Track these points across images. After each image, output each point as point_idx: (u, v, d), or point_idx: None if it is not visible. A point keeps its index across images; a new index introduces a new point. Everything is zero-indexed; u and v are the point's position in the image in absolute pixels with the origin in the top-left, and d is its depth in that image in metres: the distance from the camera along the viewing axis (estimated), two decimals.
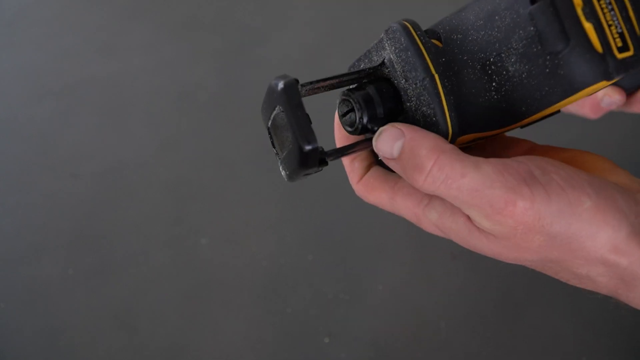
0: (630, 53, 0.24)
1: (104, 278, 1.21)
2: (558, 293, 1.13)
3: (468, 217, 0.26)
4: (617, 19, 0.24)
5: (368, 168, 0.31)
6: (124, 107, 1.53)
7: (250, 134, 1.42)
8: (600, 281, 0.26)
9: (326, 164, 0.27)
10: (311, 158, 0.26)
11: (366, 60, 0.30)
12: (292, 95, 0.26)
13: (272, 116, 0.28)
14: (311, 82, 0.28)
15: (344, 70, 0.31)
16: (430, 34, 0.28)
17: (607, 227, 0.24)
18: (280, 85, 0.26)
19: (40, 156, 1.44)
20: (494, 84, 0.27)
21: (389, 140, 0.27)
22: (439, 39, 0.28)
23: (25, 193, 1.37)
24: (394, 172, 0.30)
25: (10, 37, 1.75)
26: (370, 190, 0.30)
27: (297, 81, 0.26)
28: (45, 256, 1.25)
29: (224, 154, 1.40)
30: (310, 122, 0.26)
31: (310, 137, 0.25)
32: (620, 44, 0.24)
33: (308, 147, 0.25)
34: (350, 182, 0.31)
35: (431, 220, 0.28)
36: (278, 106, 0.27)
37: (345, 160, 0.31)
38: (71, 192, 1.36)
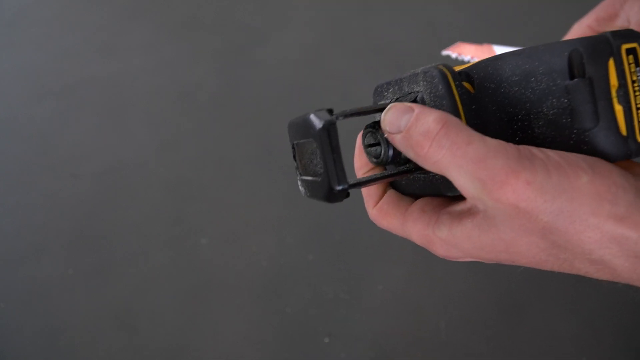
0: None
1: (104, 278, 1.21)
2: (558, 293, 1.13)
3: (474, 215, 0.26)
4: None
5: (383, 192, 0.32)
6: (124, 107, 1.53)
7: (250, 134, 1.42)
8: (617, 264, 0.25)
9: (348, 196, 0.27)
10: (338, 196, 0.26)
11: (396, 87, 0.31)
12: (331, 138, 0.26)
13: (303, 141, 0.29)
14: (344, 115, 0.28)
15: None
16: (464, 76, 0.29)
17: (604, 201, 0.24)
18: (319, 124, 0.26)
19: (40, 156, 1.44)
20: (517, 138, 0.28)
21: (399, 113, 0.27)
22: (472, 83, 0.29)
23: (25, 193, 1.37)
24: (406, 197, 0.31)
25: (10, 37, 1.75)
26: (383, 216, 0.31)
27: (334, 119, 0.26)
28: (45, 256, 1.25)
29: (224, 154, 1.40)
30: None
31: (342, 179, 0.26)
32: None
33: (338, 188, 0.26)
34: (366, 206, 0.32)
35: (441, 237, 0.28)
36: (313, 140, 0.27)
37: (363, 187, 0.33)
38: (71, 192, 1.36)
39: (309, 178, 0.28)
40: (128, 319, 1.15)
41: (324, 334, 1.11)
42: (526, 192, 0.24)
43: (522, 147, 0.25)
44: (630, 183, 0.24)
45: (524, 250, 0.26)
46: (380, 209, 0.31)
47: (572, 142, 0.26)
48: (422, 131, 0.26)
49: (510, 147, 0.24)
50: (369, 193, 0.32)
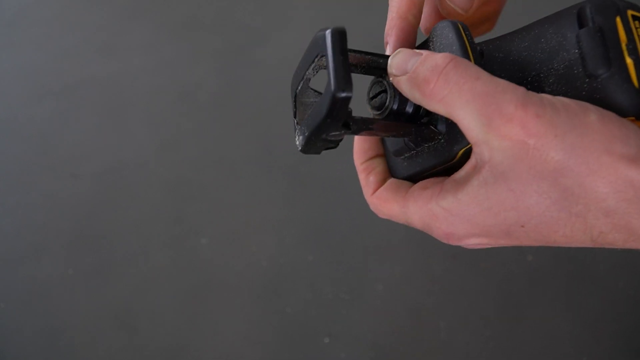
0: None
1: (104, 278, 1.21)
2: (558, 293, 1.13)
3: (479, 171, 0.25)
4: None
5: (383, 181, 0.31)
6: (124, 107, 1.53)
7: (250, 134, 1.42)
8: (632, 212, 0.23)
9: (349, 128, 0.26)
10: (341, 108, 0.24)
11: None
12: (340, 40, 0.25)
13: (303, 81, 0.28)
14: (356, 50, 0.28)
15: None
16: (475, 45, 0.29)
17: (616, 139, 0.23)
18: (329, 31, 0.25)
19: (40, 156, 1.44)
20: None
21: (406, 55, 0.26)
22: (481, 54, 0.28)
23: (25, 193, 1.37)
24: (406, 182, 0.30)
25: (10, 37, 1.75)
26: (383, 202, 0.29)
27: (344, 27, 0.26)
28: (45, 256, 1.25)
29: (224, 154, 1.40)
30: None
31: (347, 84, 0.24)
32: None
33: (342, 94, 0.24)
34: (365, 195, 0.31)
35: (445, 207, 0.26)
36: (320, 56, 0.26)
37: (361, 175, 0.32)
38: (71, 192, 1.36)
39: (306, 117, 0.27)
40: (128, 319, 1.15)
41: (324, 334, 1.11)
42: (536, 125, 0.22)
43: (523, 88, 0.24)
44: (637, 131, 0.23)
45: (533, 203, 0.24)
46: (380, 196, 0.30)
47: (584, 93, 0.25)
48: (429, 66, 0.25)
49: (519, 87, 0.24)
50: (366, 182, 0.31)
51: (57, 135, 1.48)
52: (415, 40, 0.31)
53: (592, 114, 0.23)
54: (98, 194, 1.35)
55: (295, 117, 0.29)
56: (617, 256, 1.16)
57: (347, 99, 0.24)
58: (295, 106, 0.29)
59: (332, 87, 0.24)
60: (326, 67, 0.25)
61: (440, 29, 0.28)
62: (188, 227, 1.28)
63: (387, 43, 0.30)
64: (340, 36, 0.25)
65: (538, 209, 0.24)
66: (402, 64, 0.26)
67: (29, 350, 1.12)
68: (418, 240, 1.20)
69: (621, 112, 0.24)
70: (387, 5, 0.32)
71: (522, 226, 0.25)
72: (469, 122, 0.24)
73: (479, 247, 0.28)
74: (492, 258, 1.17)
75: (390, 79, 0.27)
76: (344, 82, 0.24)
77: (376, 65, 0.29)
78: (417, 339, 1.10)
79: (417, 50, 0.27)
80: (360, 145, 0.32)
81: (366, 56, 0.28)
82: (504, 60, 0.28)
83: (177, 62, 1.63)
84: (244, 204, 1.31)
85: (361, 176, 0.31)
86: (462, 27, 0.27)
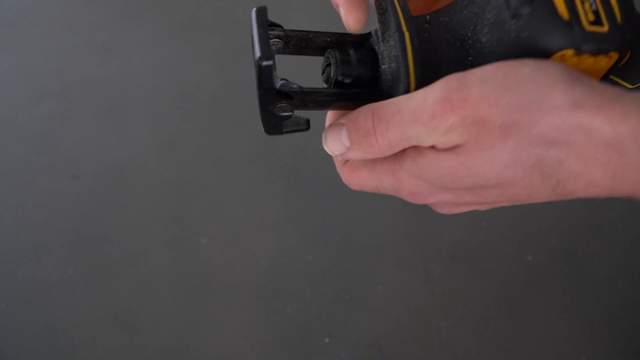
0: (603, 29, 0.24)
1: (104, 278, 1.21)
2: (557, 293, 1.13)
3: (432, 147, 0.25)
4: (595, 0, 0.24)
5: None
6: (124, 107, 1.53)
7: (250, 134, 1.42)
8: (588, 156, 0.23)
9: (290, 98, 0.26)
10: (268, 76, 0.25)
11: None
12: (260, 16, 0.27)
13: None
14: (298, 31, 0.29)
15: None
16: (420, 17, 0.29)
17: (555, 85, 0.22)
18: (253, 9, 0.27)
19: (40, 156, 1.44)
20: (469, 57, 0.27)
21: (334, 135, 0.27)
22: (428, 22, 0.29)
23: (25, 193, 1.37)
24: None
25: (10, 37, 1.75)
26: (353, 170, 0.29)
27: (272, 22, 0.28)
28: (45, 256, 1.25)
29: (224, 154, 1.40)
30: (270, 45, 0.26)
31: (266, 51, 0.25)
32: (592, 19, 0.24)
33: (264, 63, 0.25)
34: (337, 168, 0.31)
35: (406, 170, 0.26)
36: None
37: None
38: (71, 192, 1.36)
39: None
40: (128, 319, 1.15)
41: (324, 334, 1.11)
42: (466, 108, 0.23)
43: (450, 76, 0.24)
44: (581, 75, 0.23)
45: (486, 169, 0.24)
46: (350, 164, 0.30)
47: (513, 35, 0.25)
48: (363, 135, 0.26)
49: (437, 83, 0.24)
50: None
51: (57, 135, 1.48)
52: None
53: (526, 67, 0.23)
54: (98, 194, 1.35)
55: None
56: (616, 256, 1.17)
57: (269, 67, 0.25)
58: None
59: (255, 58, 0.25)
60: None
61: (378, 0, 0.29)
62: (188, 227, 1.28)
63: (337, 5, 0.30)
64: (259, 12, 0.27)
65: (492, 174, 0.24)
66: (338, 145, 0.27)
67: (29, 350, 1.13)
68: (418, 240, 1.20)
69: (553, 47, 0.24)
70: None
71: (481, 187, 0.25)
72: (420, 140, 0.25)
73: (447, 206, 0.29)
74: (492, 258, 1.18)
75: (337, 155, 0.28)
76: (263, 51, 0.25)
77: (324, 42, 0.30)
78: (417, 339, 1.10)
79: (337, 124, 0.27)
80: (332, 118, 0.32)
81: (311, 34, 0.29)
82: (448, 22, 0.28)
83: (177, 62, 1.63)
84: (244, 204, 1.31)
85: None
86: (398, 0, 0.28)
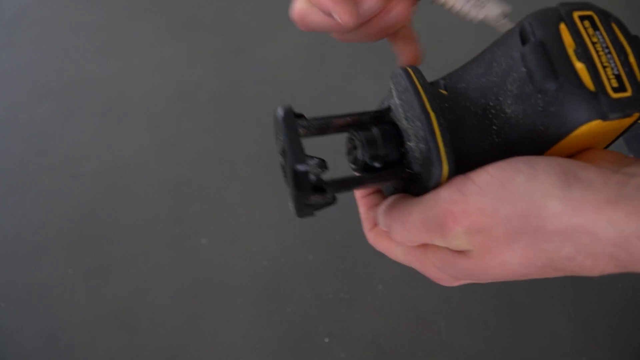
0: (627, 94, 0.24)
1: (104, 278, 1.21)
2: (557, 294, 1.13)
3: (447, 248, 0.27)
4: (614, 62, 0.24)
5: None
6: (124, 107, 1.53)
7: (250, 134, 1.42)
8: (592, 256, 0.24)
9: (324, 192, 0.27)
10: (304, 179, 0.26)
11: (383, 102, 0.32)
12: (288, 119, 0.27)
13: (283, 145, 0.30)
14: (320, 118, 0.29)
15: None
16: (435, 84, 0.30)
17: (551, 191, 0.23)
18: (279, 112, 0.28)
19: (40, 156, 1.44)
20: (494, 127, 0.27)
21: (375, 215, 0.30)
22: (445, 89, 0.29)
23: (25, 193, 1.37)
24: None
25: (10, 37, 1.75)
26: (378, 236, 0.32)
27: (296, 114, 0.28)
28: (45, 256, 1.25)
29: (224, 154, 1.40)
30: (303, 149, 0.27)
31: (300, 157, 0.26)
32: (615, 85, 0.24)
33: (300, 168, 0.26)
34: (364, 229, 0.33)
35: (431, 262, 0.28)
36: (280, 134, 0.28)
37: (362, 209, 0.33)
38: (71, 192, 1.36)
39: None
40: (128, 319, 1.15)
41: (324, 334, 1.11)
42: (468, 219, 0.24)
43: (456, 179, 0.25)
44: (585, 173, 0.23)
45: (499, 270, 0.26)
46: (377, 232, 0.32)
47: (540, 109, 0.25)
48: (384, 226, 0.29)
49: (443, 190, 0.25)
50: (366, 216, 0.33)
51: (57, 135, 1.48)
52: None
53: (520, 176, 0.24)
54: (98, 194, 1.35)
55: (285, 177, 0.31)
56: None
57: (306, 171, 0.26)
58: (284, 173, 0.31)
59: (290, 163, 0.26)
60: (283, 142, 0.27)
61: (396, 76, 0.29)
62: (188, 227, 1.28)
63: (327, 10, 0.30)
64: (287, 115, 0.27)
65: (507, 274, 0.26)
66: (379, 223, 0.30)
67: (29, 350, 1.13)
68: None
69: (582, 120, 0.24)
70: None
71: (499, 279, 0.27)
72: (430, 241, 0.27)
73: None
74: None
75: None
76: (297, 157, 0.26)
77: (345, 123, 0.30)
78: (417, 339, 1.10)
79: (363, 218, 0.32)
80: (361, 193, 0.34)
81: (330, 120, 0.30)
82: (466, 89, 0.28)
83: (177, 62, 1.63)
84: (244, 204, 1.31)
85: (361, 210, 0.33)
86: (414, 71, 0.28)
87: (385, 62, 1.66)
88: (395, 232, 0.28)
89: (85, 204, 1.34)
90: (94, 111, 1.53)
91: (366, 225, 0.33)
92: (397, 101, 0.29)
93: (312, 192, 0.27)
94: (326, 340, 1.10)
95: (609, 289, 1.13)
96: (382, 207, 0.29)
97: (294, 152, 0.26)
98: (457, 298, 1.13)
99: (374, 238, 0.32)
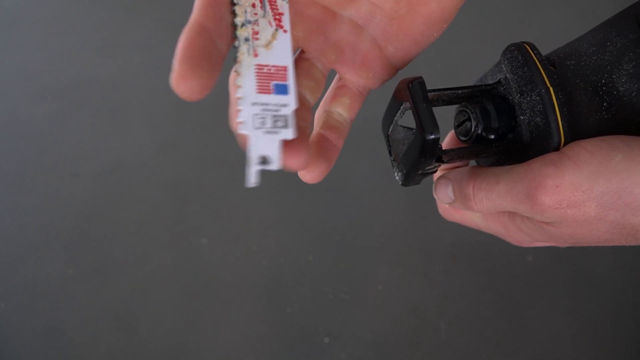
0: None
1: (104, 278, 1.21)
2: (558, 294, 1.13)
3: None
4: None
5: None
6: (124, 107, 1.53)
7: None
8: None
9: (442, 161, 0.29)
10: (431, 148, 0.27)
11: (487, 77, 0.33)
12: (421, 90, 0.28)
13: (393, 124, 0.31)
14: (434, 89, 0.31)
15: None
16: (545, 59, 0.31)
17: None
18: (411, 84, 0.29)
19: (40, 156, 1.44)
20: (604, 104, 0.28)
21: (443, 188, 0.31)
22: (552, 64, 0.30)
23: (25, 193, 1.37)
24: None
25: (10, 37, 1.75)
26: (452, 209, 0.33)
27: (422, 78, 0.29)
28: (45, 256, 1.25)
29: (224, 154, 1.40)
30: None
31: (434, 127, 0.27)
32: None
33: (431, 137, 0.27)
34: (439, 204, 0.34)
35: (516, 226, 0.29)
36: (404, 104, 0.30)
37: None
38: (71, 192, 1.36)
39: (401, 156, 0.30)
40: (128, 319, 1.15)
41: (324, 334, 1.11)
42: (560, 194, 0.25)
43: (549, 155, 0.26)
44: None
45: (586, 236, 0.27)
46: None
47: None
48: (464, 197, 0.30)
49: (535, 162, 0.26)
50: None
51: (57, 135, 1.48)
52: None
53: (618, 155, 0.25)
54: (98, 194, 1.35)
55: (390, 155, 0.33)
56: (616, 257, 1.17)
57: (436, 140, 0.27)
58: (389, 145, 0.33)
59: (422, 133, 0.27)
60: (413, 115, 0.28)
61: (511, 51, 0.30)
62: (188, 227, 1.28)
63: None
64: (420, 87, 0.29)
65: (591, 238, 0.27)
66: (446, 196, 0.31)
67: (29, 350, 1.12)
68: (418, 241, 1.20)
69: None
70: None
71: (583, 244, 0.28)
72: (516, 210, 0.27)
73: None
74: (492, 258, 1.18)
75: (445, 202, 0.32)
76: (430, 126, 0.27)
77: (455, 96, 0.32)
78: (417, 339, 1.10)
79: (446, 177, 0.31)
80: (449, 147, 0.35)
81: (445, 92, 0.32)
82: (575, 66, 0.29)
83: None
84: (244, 204, 1.31)
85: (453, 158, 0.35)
86: (530, 47, 0.30)
87: None
88: (478, 200, 0.29)
89: (86, 204, 1.34)
90: (94, 111, 1.53)
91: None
92: (509, 75, 0.30)
93: (434, 160, 0.28)
94: (326, 340, 1.10)
95: (609, 289, 1.13)
96: (458, 176, 0.30)
97: (427, 121, 0.27)
98: (457, 298, 1.13)
99: (450, 210, 0.34)
